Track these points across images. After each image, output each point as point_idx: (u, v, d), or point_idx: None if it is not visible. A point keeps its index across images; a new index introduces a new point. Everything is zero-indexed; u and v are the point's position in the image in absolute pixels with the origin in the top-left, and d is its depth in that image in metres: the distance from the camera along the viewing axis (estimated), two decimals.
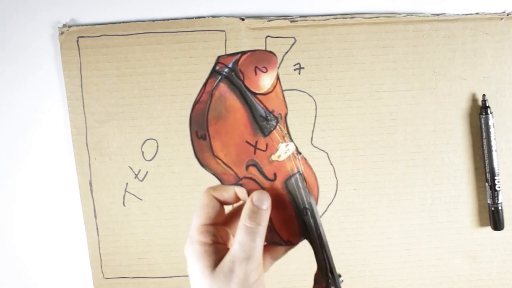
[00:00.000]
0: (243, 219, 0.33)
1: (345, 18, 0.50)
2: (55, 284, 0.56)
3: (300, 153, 0.36)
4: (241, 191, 0.34)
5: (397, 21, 0.50)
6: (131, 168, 0.53)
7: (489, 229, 0.54)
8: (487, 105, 0.51)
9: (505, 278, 0.55)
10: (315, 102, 0.52)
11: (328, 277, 0.36)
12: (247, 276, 0.31)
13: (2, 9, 0.51)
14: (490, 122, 0.51)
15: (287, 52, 0.51)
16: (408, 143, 0.52)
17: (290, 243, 0.36)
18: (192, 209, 0.53)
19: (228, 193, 0.35)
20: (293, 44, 0.50)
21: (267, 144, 0.34)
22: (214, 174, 0.34)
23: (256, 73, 0.33)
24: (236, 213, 0.36)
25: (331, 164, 0.52)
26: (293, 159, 0.35)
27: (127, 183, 0.53)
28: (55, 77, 0.52)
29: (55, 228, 0.55)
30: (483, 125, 0.51)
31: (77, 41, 0.50)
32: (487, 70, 0.51)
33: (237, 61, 0.32)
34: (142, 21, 0.50)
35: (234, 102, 0.32)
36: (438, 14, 0.50)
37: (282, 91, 0.34)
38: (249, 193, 0.34)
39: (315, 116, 0.52)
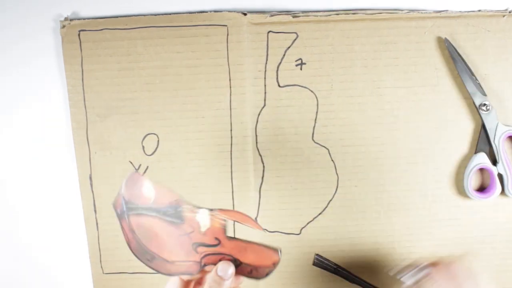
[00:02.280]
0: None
1: (348, 14, 0.50)
2: (54, 278, 0.56)
3: (212, 209, 0.42)
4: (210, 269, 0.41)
5: (399, 17, 0.50)
6: (131, 162, 0.53)
7: (488, 227, 0.54)
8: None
9: (505, 277, 0.55)
10: (316, 98, 0.51)
11: None
12: None
13: (3, 2, 0.51)
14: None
15: (289, 47, 0.51)
16: (409, 140, 0.52)
17: (276, 263, 0.42)
18: (193, 204, 0.52)
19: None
20: (295, 39, 0.50)
21: (190, 225, 0.40)
22: (181, 274, 0.41)
23: (138, 192, 0.40)
24: None
25: (332, 160, 0.52)
26: (213, 217, 0.41)
27: None
28: (56, 70, 0.52)
29: (55, 222, 0.55)
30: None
31: (79, 35, 0.50)
32: (489, 68, 0.51)
33: (121, 195, 0.40)
34: (144, 15, 0.50)
35: (148, 220, 0.39)
36: (440, 11, 0.50)
37: (161, 185, 0.41)
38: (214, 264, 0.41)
39: (317, 112, 0.52)
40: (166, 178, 0.53)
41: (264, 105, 0.51)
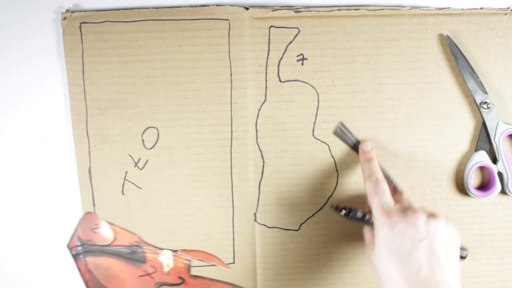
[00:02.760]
0: None
1: (350, 9, 0.50)
2: (52, 271, 0.55)
3: (176, 250, 0.43)
4: None
5: (402, 14, 0.50)
6: (131, 156, 0.52)
7: (488, 225, 0.54)
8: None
9: (503, 276, 0.55)
10: (317, 93, 0.51)
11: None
12: None
13: None
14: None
15: (290, 42, 0.50)
16: (409, 137, 0.52)
17: None
18: (192, 198, 0.53)
19: None
20: (296, 34, 0.50)
21: (152, 265, 0.42)
22: None
23: (95, 232, 0.41)
24: None
25: (332, 156, 0.52)
26: (177, 257, 0.43)
27: (126, 171, 0.53)
28: (57, 63, 0.51)
29: (53, 216, 0.54)
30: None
31: (80, 27, 0.50)
32: (491, 66, 0.51)
33: (79, 237, 0.40)
34: (146, 8, 0.50)
35: (106, 261, 0.40)
36: (442, 8, 0.50)
37: (120, 226, 0.43)
38: None
39: (317, 108, 0.52)
40: (166, 172, 0.52)
41: (265, 100, 0.51)
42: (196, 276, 0.42)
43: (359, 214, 0.48)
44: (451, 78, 0.51)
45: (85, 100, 0.51)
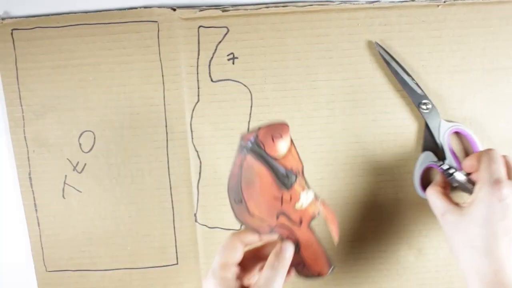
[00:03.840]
0: (271, 259, 0.41)
1: (278, 6, 0.50)
2: None
3: (318, 198, 0.43)
4: (269, 238, 0.43)
5: (331, 9, 0.50)
6: (69, 160, 0.53)
7: (434, 220, 0.53)
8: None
9: (451, 270, 0.54)
10: (250, 92, 0.51)
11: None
12: None
13: None
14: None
15: (220, 42, 0.50)
16: (347, 133, 0.52)
17: (321, 275, 0.43)
18: (132, 200, 0.53)
19: (253, 237, 0.42)
20: (226, 33, 0.50)
21: (291, 196, 0.41)
22: (251, 228, 0.42)
23: (273, 141, 0.39)
24: (250, 256, 0.44)
25: None
26: (314, 203, 0.42)
27: (66, 175, 0.53)
28: None
29: None
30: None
31: (12, 34, 0.50)
32: (425, 59, 0.51)
33: (256, 135, 0.39)
34: (75, 12, 0.50)
35: (260, 169, 0.39)
36: (372, 2, 0.50)
37: (296, 150, 0.41)
38: (281, 237, 0.42)
39: (251, 107, 0.51)
40: (104, 175, 0.53)
41: (198, 100, 0.51)
42: (310, 228, 0.43)
43: (461, 177, 0.48)
44: (386, 72, 0.51)
45: (21, 105, 0.52)
